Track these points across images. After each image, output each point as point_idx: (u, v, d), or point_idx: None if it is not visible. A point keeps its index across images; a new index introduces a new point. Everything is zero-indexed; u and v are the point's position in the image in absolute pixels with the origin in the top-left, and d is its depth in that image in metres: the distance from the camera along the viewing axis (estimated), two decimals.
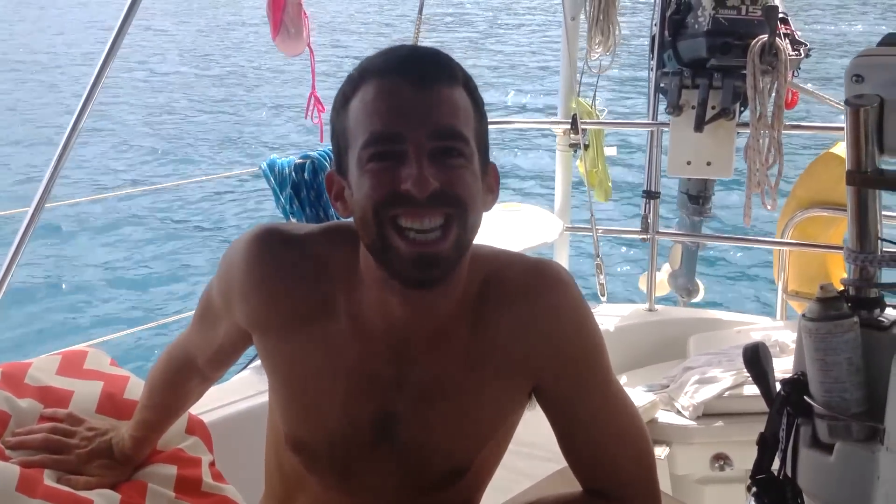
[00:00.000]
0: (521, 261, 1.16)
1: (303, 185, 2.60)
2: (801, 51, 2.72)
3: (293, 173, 2.62)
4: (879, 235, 1.28)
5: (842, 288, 1.29)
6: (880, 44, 1.25)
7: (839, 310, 1.20)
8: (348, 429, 1.14)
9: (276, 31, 2.37)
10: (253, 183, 8.89)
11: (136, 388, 1.60)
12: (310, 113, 2.66)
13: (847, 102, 1.20)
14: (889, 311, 1.28)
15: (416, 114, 0.99)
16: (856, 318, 1.20)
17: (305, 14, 2.61)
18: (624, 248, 7.20)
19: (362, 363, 1.12)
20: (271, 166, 2.63)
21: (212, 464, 1.59)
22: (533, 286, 1.13)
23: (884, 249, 1.28)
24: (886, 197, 1.29)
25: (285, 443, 1.19)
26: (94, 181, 10.21)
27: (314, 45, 2.58)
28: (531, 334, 1.12)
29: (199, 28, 23.64)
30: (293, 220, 2.56)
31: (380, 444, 1.14)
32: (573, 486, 1.26)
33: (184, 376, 1.37)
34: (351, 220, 1.07)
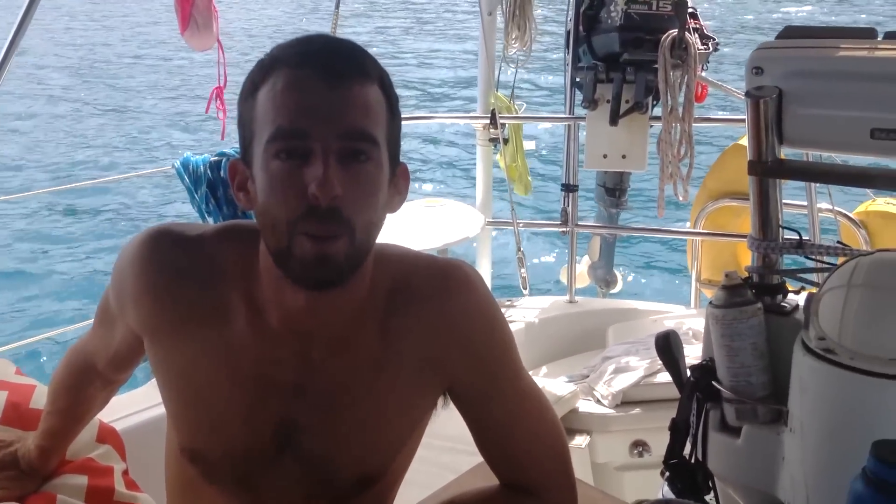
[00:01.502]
0: (429, 262, 1.15)
1: (219, 184, 2.54)
2: (710, 45, 2.80)
3: (208, 171, 2.56)
4: (781, 224, 1.32)
5: (746, 275, 1.33)
6: (779, 36, 1.29)
7: (743, 296, 1.24)
8: (248, 438, 1.10)
9: (185, 26, 2.31)
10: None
11: (42, 397, 1.53)
12: (210, 107, 2.61)
13: (747, 94, 1.24)
14: (791, 297, 1.33)
15: (326, 113, 0.96)
16: (759, 305, 1.24)
17: (215, 9, 2.55)
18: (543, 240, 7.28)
19: (262, 369, 1.08)
20: (185, 164, 2.57)
21: (125, 472, 1.54)
22: (441, 288, 1.11)
23: (784, 237, 1.32)
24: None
25: (181, 453, 1.14)
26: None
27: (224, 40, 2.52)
28: (441, 336, 1.11)
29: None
30: (209, 220, 2.51)
31: (282, 453, 1.10)
32: (493, 480, 1.26)
33: (85, 380, 1.32)
34: (246, 220, 1.04)
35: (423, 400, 1.15)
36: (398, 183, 1.07)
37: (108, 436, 1.57)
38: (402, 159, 1.09)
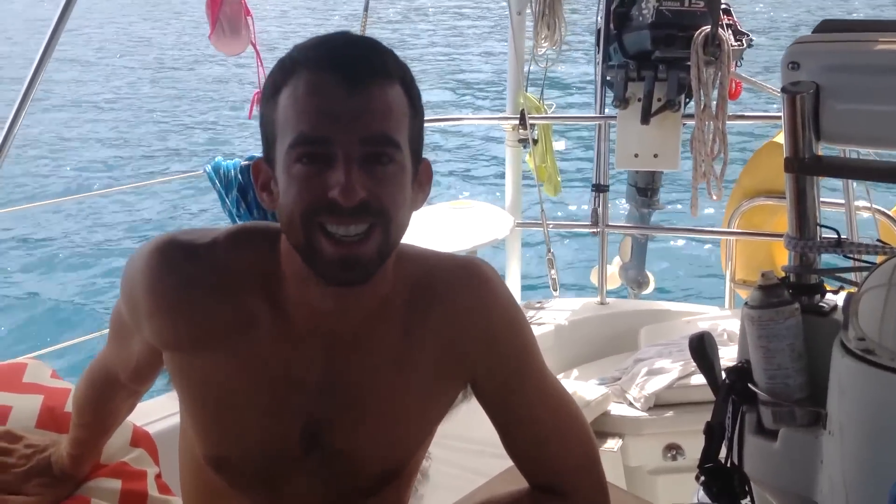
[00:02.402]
0: (450, 260, 1.15)
1: (249, 188, 2.55)
2: (744, 41, 2.75)
3: (239, 175, 2.57)
4: (819, 222, 1.29)
5: (783, 275, 1.30)
6: (815, 30, 1.26)
7: (780, 297, 1.21)
8: (275, 441, 1.10)
9: (213, 30, 2.32)
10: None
11: None
12: (253, 113, 2.62)
13: (783, 90, 1.21)
14: (829, 297, 1.29)
15: (347, 118, 0.96)
16: (797, 305, 1.21)
17: (249, 12, 2.56)
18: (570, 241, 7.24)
19: (287, 370, 1.08)
20: (216, 169, 2.58)
21: (158, 476, 1.55)
22: (462, 285, 1.12)
23: (823, 236, 1.29)
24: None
25: (206, 463, 1.14)
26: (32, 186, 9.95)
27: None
28: (462, 332, 1.11)
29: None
30: (238, 222, 2.52)
31: (309, 453, 1.11)
32: (523, 484, 1.25)
33: (107, 394, 1.30)
34: (258, 221, 1.03)
35: (445, 395, 1.16)
36: (420, 180, 1.07)
37: (141, 440, 1.58)
38: (429, 159, 1.09)
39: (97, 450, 1.43)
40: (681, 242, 7.36)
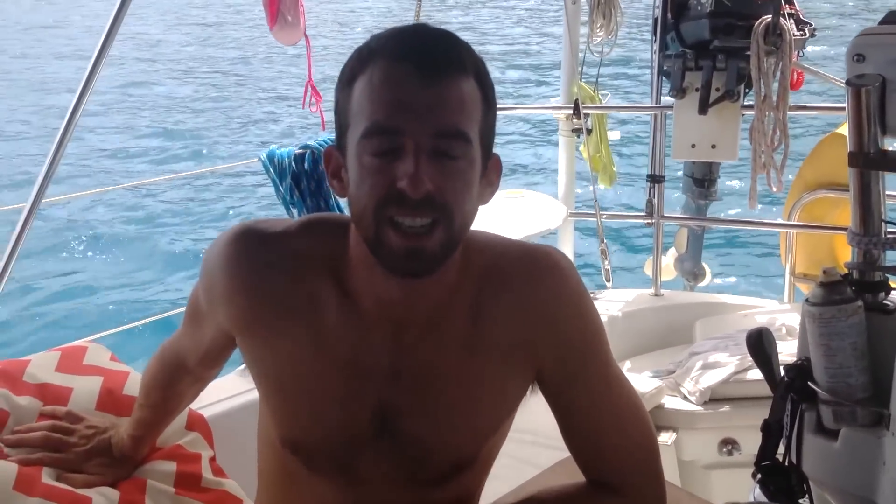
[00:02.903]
0: (519, 247, 1.16)
1: (303, 176, 2.57)
2: (806, 31, 2.68)
3: (293, 163, 2.60)
4: (884, 218, 1.26)
5: (846, 271, 1.27)
6: (882, 22, 1.22)
7: (843, 294, 1.18)
8: (347, 424, 1.13)
9: (274, 21, 2.35)
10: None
11: (135, 384, 1.59)
12: (307, 102, 2.64)
13: (848, 83, 1.18)
14: (894, 295, 1.26)
15: (420, 110, 0.97)
16: (860, 303, 1.19)
17: (301, 3, 2.58)
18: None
19: (357, 355, 1.10)
20: (270, 157, 2.61)
21: (212, 459, 1.58)
22: (532, 272, 1.12)
23: (888, 232, 1.25)
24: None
25: (281, 445, 1.17)
26: (94, 175, 10.18)
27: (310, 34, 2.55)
28: (532, 320, 1.11)
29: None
30: (293, 211, 2.55)
31: (380, 437, 1.13)
32: (577, 477, 1.24)
33: (175, 377, 1.36)
34: (330, 212, 1.05)
35: (514, 384, 1.16)
36: (490, 175, 1.08)
37: (196, 423, 1.61)
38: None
39: (157, 432, 1.47)
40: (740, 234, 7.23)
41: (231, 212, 8.86)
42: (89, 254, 8.06)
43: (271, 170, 2.62)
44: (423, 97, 0.97)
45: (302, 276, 1.10)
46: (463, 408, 1.13)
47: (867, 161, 1.20)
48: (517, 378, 1.15)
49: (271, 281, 1.10)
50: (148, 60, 17.82)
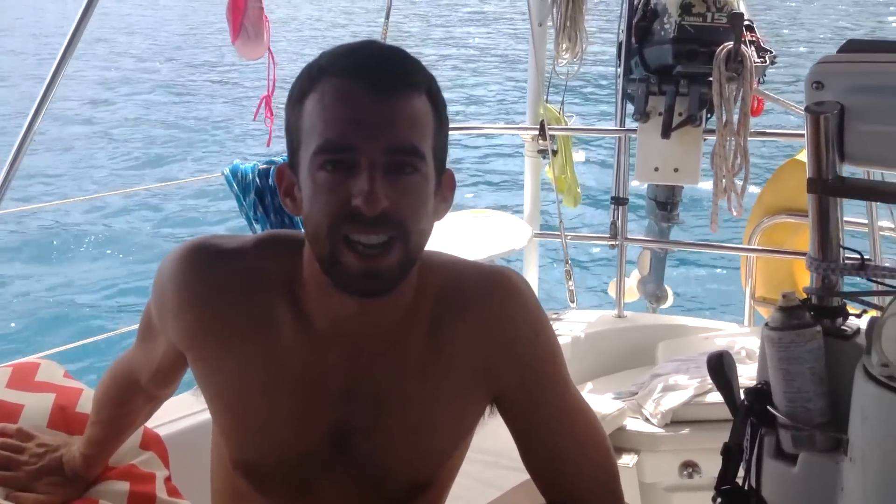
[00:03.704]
0: (477, 269, 1.15)
1: (267, 191, 2.56)
2: (767, 58, 2.73)
3: (257, 179, 2.58)
4: (842, 244, 1.27)
5: (804, 296, 1.28)
6: (840, 50, 1.24)
7: (801, 319, 1.19)
8: (302, 445, 1.11)
9: (236, 35, 2.34)
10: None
11: (88, 401, 1.55)
12: (257, 115, 2.64)
13: (807, 110, 1.19)
14: (852, 320, 1.27)
15: (373, 127, 0.96)
16: (818, 328, 1.19)
17: (266, 18, 2.58)
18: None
19: (312, 374, 1.09)
20: (234, 172, 2.59)
21: (167, 479, 1.55)
22: (489, 294, 1.12)
23: (846, 258, 1.27)
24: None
25: (233, 467, 1.14)
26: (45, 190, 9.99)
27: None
28: (489, 343, 1.11)
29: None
30: (257, 227, 2.52)
31: (336, 458, 1.11)
32: (538, 499, 1.24)
33: (128, 394, 1.32)
34: (287, 230, 1.04)
35: (471, 405, 1.15)
36: (444, 191, 1.07)
37: (151, 442, 1.58)
38: (450, 168, 1.08)
39: (110, 450, 1.44)
40: (700, 257, 7.31)
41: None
42: (46, 265, 7.91)
43: (234, 185, 2.60)
44: (375, 114, 0.96)
45: (255, 294, 1.08)
46: (419, 428, 1.12)
47: (826, 187, 1.21)
48: (474, 399, 1.15)
49: (223, 297, 1.08)
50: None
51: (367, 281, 0.98)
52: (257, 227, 2.54)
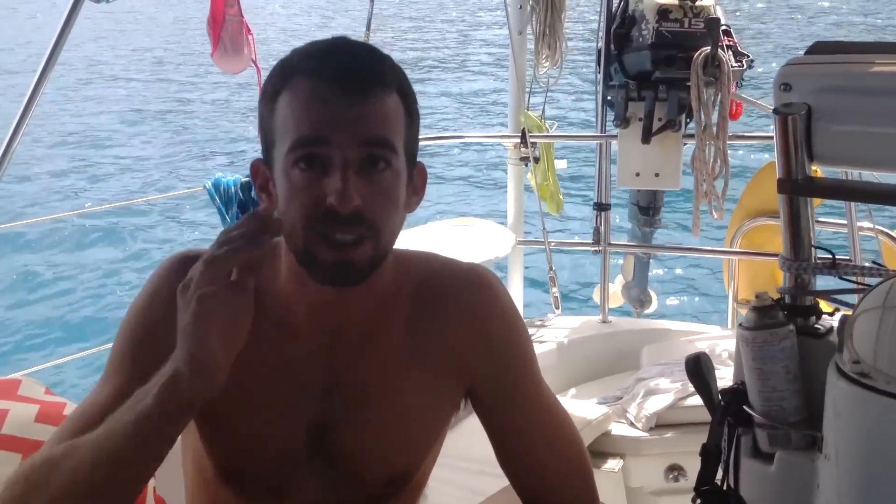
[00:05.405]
0: (456, 266, 1.19)
1: (250, 204, 2.57)
2: (744, 62, 2.76)
3: (239, 192, 2.59)
4: (813, 243, 1.28)
5: (778, 296, 1.29)
6: (808, 52, 1.26)
7: (775, 318, 1.20)
8: (282, 446, 1.11)
9: (215, 48, 2.34)
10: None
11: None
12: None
13: (775, 111, 1.21)
14: (825, 319, 1.28)
15: (344, 126, 0.98)
16: (791, 327, 1.21)
17: (250, 31, 2.58)
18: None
19: (291, 372, 1.10)
20: (216, 185, 2.60)
21: (153, 489, 1.55)
22: (466, 290, 1.16)
23: (818, 257, 1.28)
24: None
25: (216, 476, 1.14)
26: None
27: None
28: (464, 336, 1.14)
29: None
30: None
31: (315, 457, 1.12)
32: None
33: None
34: None
35: (447, 398, 1.18)
36: (416, 183, 1.10)
37: None
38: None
39: None
40: (684, 261, 7.34)
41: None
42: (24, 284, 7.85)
43: (217, 198, 2.61)
44: (346, 112, 0.98)
45: None
46: (397, 422, 1.14)
47: (795, 187, 1.23)
48: (450, 392, 1.17)
49: None
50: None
51: (340, 270, 1.00)
52: None
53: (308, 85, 0.99)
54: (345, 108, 0.98)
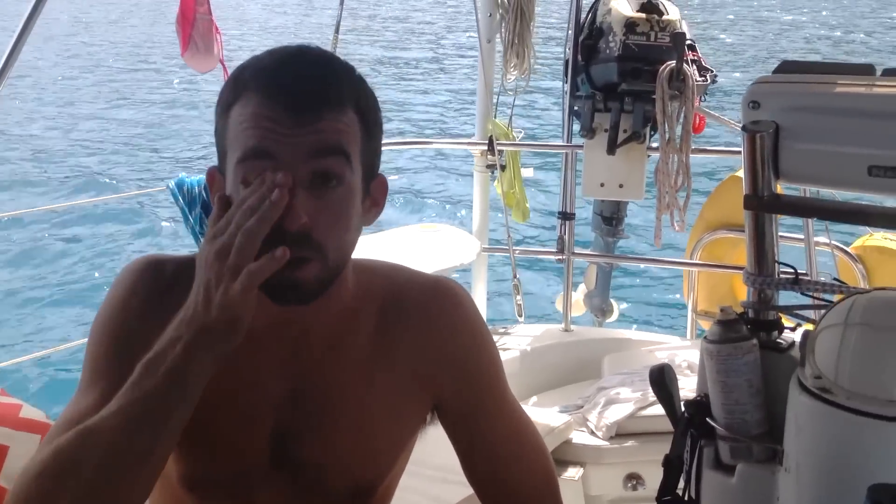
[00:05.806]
0: (422, 278, 1.19)
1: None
2: (708, 77, 2.80)
3: (203, 193, 2.56)
4: (776, 259, 1.30)
5: (741, 310, 1.31)
6: (776, 71, 1.28)
7: (739, 332, 1.22)
8: (246, 454, 1.10)
9: (185, 47, 2.32)
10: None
11: (30, 412, 1.54)
12: None
13: (744, 128, 1.23)
14: (787, 334, 1.31)
15: (294, 143, 0.96)
16: (755, 341, 1.22)
17: (218, 30, 2.56)
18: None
19: (255, 381, 1.09)
20: (180, 185, 2.56)
21: None
22: (433, 301, 1.15)
23: (781, 272, 1.30)
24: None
25: (179, 483, 1.12)
26: None
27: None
28: (431, 348, 1.14)
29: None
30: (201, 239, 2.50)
31: (279, 466, 1.11)
32: None
33: None
34: None
35: (414, 413, 1.17)
36: (375, 195, 1.08)
37: None
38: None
39: None
40: (646, 271, 7.42)
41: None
42: None
43: (180, 198, 2.57)
44: (294, 131, 0.96)
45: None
46: (361, 433, 1.13)
47: (761, 204, 1.25)
48: (416, 404, 1.17)
49: (164, 308, 1.04)
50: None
51: (285, 290, 0.99)
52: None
53: (258, 101, 0.97)
54: (294, 126, 0.96)
